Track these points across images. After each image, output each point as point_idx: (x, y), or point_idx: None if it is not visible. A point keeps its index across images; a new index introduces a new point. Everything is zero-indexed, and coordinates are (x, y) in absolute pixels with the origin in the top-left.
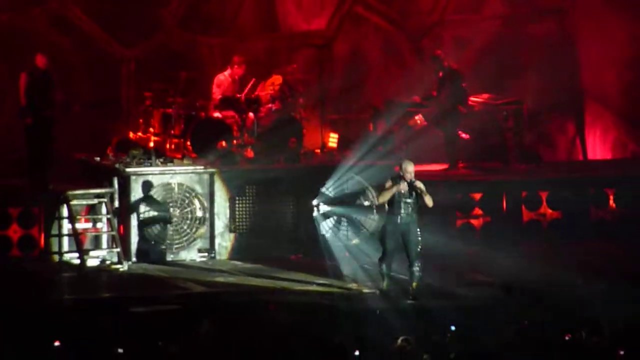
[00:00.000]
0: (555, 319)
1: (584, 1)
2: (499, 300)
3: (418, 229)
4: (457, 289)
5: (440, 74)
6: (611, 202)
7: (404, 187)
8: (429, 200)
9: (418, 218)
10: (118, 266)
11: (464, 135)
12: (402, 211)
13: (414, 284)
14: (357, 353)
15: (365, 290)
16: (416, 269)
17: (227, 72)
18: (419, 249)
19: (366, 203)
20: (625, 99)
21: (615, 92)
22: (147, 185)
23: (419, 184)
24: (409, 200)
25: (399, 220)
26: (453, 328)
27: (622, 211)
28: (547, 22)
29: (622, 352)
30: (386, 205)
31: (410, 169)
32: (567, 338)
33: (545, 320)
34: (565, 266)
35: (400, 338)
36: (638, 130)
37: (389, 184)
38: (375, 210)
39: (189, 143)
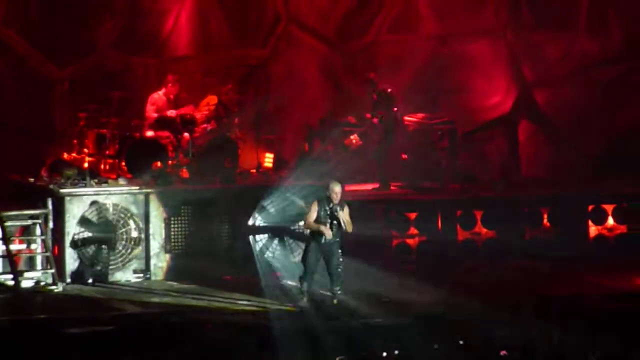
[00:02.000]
0: (487, 338)
1: (516, 22)
2: (433, 318)
3: (340, 250)
4: (392, 307)
5: (374, 96)
6: (545, 220)
7: (325, 216)
8: (349, 227)
9: (342, 239)
10: (53, 287)
11: (404, 156)
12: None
13: (336, 302)
14: None
15: (301, 309)
16: (337, 288)
17: (161, 91)
18: (339, 270)
19: (301, 222)
20: (559, 117)
21: (549, 111)
22: (81, 206)
23: (341, 215)
24: (333, 222)
25: (322, 241)
26: (397, 352)
27: (556, 229)
28: (480, 42)
29: None
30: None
31: (337, 189)
32: (502, 354)
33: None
34: (497, 285)
35: (338, 358)
36: (571, 148)
37: (314, 206)
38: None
39: (123, 163)
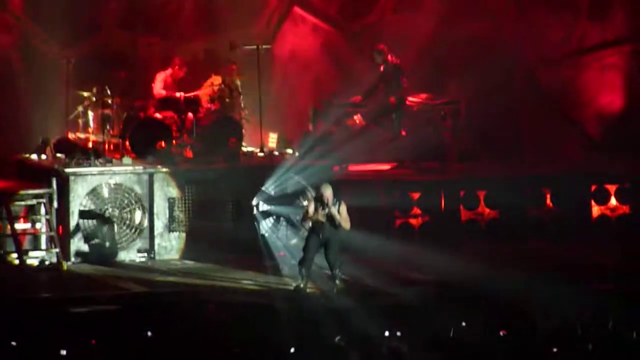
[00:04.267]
0: (491, 318)
1: (519, 1)
2: (435, 299)
3: (339, 240)
4: (394, 288)
5: (382, 67)
6: (548, 201)
7: (322, 215)
8: (345, 224)
9: (339, 238)
10: (57, 266)
11: (403, 132)
12: (324, 229)
13: (338, 284)
14: (292, 350)
15: (299, 291)
16: (337, 271)
17: (168, 72)
18: (338, 257)
19: (305, 203)
20: (562, 98)
21: (551, 91)
22: (85, 186)
23: (334, 212)
24: (330, 220)
25: (321, 236)
26: (387, 334)
27: (559, 210)
28: (483, 21)
29: (555, 350)
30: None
31: (327, 193)
32: (501, 334)
33: (481, 320)
34: (503, 266)
35: (337, 338)
36: (574, 128)
37: (310, 207)
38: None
39: (128, 143)
